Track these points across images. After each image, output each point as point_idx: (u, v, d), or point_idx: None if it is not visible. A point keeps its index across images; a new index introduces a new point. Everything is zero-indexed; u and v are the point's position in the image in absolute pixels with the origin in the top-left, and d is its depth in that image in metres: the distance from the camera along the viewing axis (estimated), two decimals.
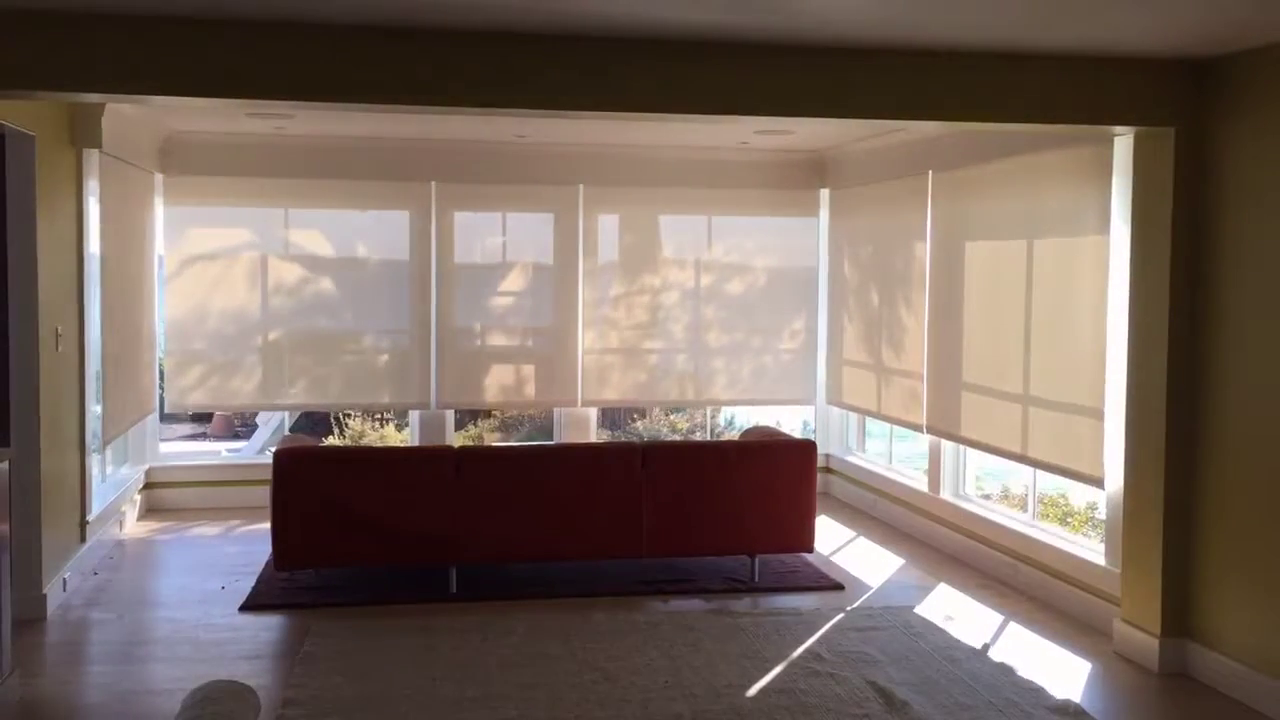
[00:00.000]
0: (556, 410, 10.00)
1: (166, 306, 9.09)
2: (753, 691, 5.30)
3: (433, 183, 9.37)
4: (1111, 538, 6.24)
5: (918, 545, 8.18)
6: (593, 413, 9.94)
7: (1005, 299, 7.16)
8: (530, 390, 9.72)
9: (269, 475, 6.77)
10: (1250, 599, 5.28)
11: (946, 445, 8.07)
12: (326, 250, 9.37)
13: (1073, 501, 9.20)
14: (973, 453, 8.12)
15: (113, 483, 8.20)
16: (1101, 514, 7.20)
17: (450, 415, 9.68)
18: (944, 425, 7.91)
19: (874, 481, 9.23)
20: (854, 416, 9.97)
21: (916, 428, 8.33)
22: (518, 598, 6.74)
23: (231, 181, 9.05)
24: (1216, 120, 5.45)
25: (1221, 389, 5.43)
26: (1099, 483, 6.29)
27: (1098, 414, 6.24)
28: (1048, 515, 8.00)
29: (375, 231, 9.43)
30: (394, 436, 11.88)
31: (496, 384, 9.60)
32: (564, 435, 9.86)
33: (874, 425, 10.04)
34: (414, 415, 9.70)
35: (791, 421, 11.35)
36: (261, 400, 9.37)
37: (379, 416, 13.09)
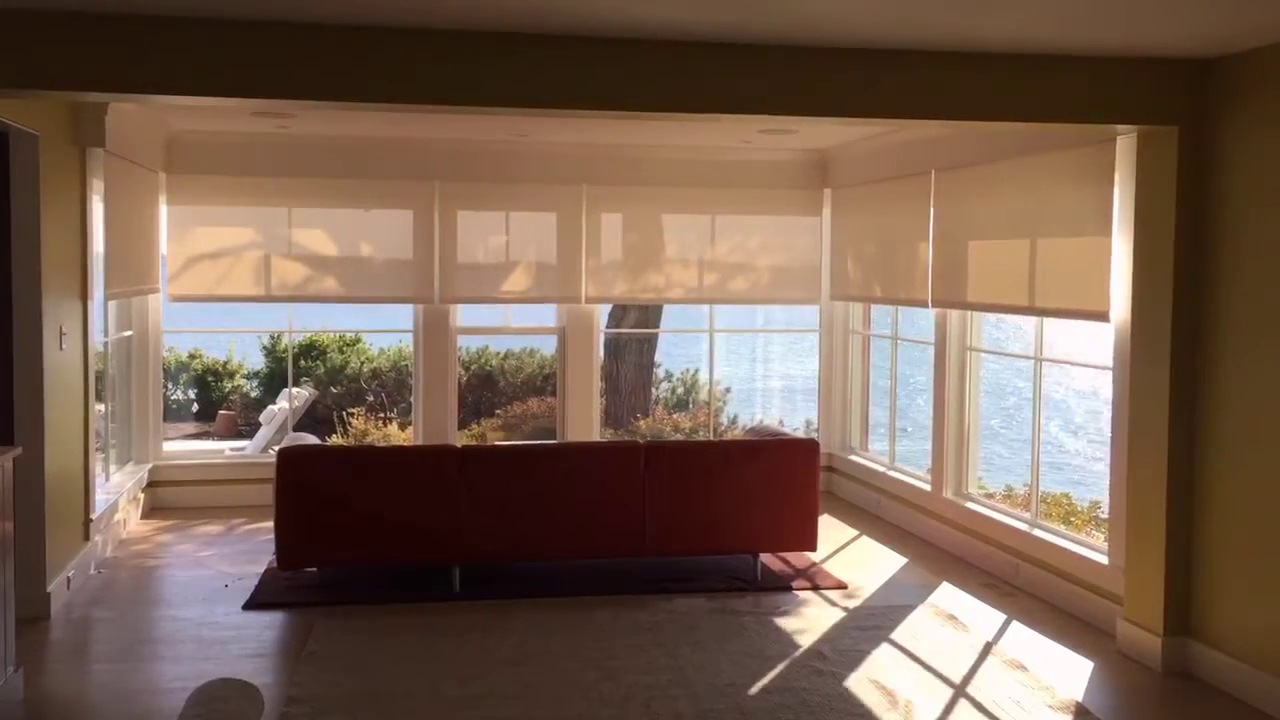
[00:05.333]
0: (560, 412, 10.00)
1: (170, 305, 9.11)
2: (755, 690, 5.30)
3: (436, 182, 9.37)
4: (1114, 537, 6.23)
5: (920, 544, 8.18)
6: (596, 412, 9.94)
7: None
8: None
9: (272, 474, 6.78)
10: (1253, 598, 5.28)
11: (950, 444, 8.05)
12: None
13: (1075, 501, 9.21)
14: (975, 451, 8.11)
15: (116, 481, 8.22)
16: (1104, 513, 7.19)
17: (454, 414, 9.68)
18: (950, 296, 7.91)
19: (876, 480, 9.22)
20: (856, 416, 9.96)
21: (922, 303, 8.30)
22: (520, 596, 6.74)
23: (235, 181, 9.07)
24: (1219, 119, 5.44)
25: (1225, 388, 5.43)
26: (1104, 315, 6.23)
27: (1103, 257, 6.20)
28: (1050, 515, 7.99)
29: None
30: (397, 435, 11.88)
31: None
32: (567, 435, 9.86)
33: (876, 425, 10.04)
34: (417, 415, 9.69)
35: (794, 421, 11.35)
36: (261, 293, 9.37)
37: (382, 415, 13.10)
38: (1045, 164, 6.75)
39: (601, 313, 10.19)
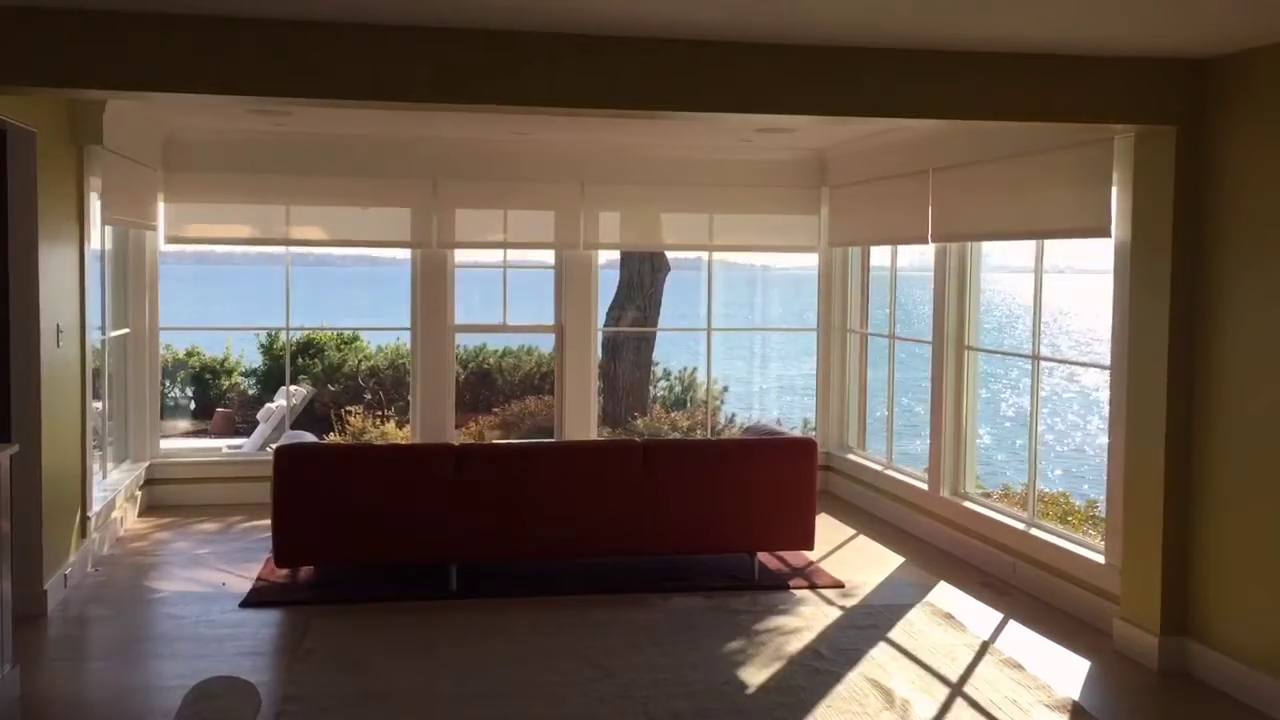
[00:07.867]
0: (558, 410, 10.00)
1: (168, 304, 9.10)
2: (752, 689, 5.30)
3: (434, 179, 9.37)
4: (1111, 536, 6.24)
5: (918, 543, 8.18)
6: (593, 411, 9.94)
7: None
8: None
9: (270, 472, 6.78)
10: (1250, 597, 5.28)
11: (947, 444, 8.05)
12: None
13: (1073, 500, 9.21)
14: (973, 450, 8.11)
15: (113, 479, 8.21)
16: (1101, 512, 7.20)
17: (451, 413, 9.68)
18: (949, 231, 7.93)
19: (874, 480, 9.22)
20: (855, 414, 9.96)
21: (921, 239, 8.28)
22: (518, 595, 6.74)
23: (233, 178, 9.06)
24: (1217, 119, 5.44)
25: (1221, 389, 5.43)
26: (1105, 231, 6.19)
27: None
28: (1048, 514, 8.00)
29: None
30: (395, 434, 11.87)
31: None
32: (565, 433, 9.87)
33: (874, 424, 10.04)
34: (415, 414, 9.68)
35: (792, 419, 11.35)
36: (260, 236, 9.35)
37: (380, 413, 13.09)
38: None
39: (600, 312, 10.18)
